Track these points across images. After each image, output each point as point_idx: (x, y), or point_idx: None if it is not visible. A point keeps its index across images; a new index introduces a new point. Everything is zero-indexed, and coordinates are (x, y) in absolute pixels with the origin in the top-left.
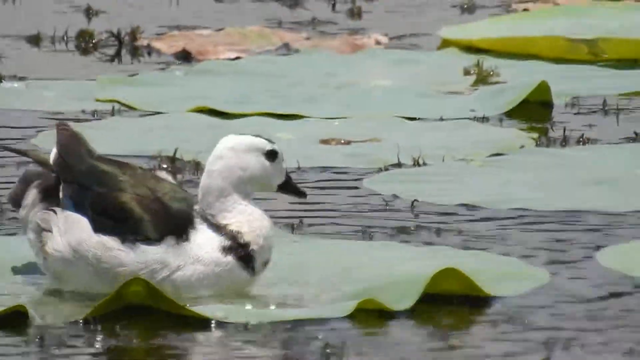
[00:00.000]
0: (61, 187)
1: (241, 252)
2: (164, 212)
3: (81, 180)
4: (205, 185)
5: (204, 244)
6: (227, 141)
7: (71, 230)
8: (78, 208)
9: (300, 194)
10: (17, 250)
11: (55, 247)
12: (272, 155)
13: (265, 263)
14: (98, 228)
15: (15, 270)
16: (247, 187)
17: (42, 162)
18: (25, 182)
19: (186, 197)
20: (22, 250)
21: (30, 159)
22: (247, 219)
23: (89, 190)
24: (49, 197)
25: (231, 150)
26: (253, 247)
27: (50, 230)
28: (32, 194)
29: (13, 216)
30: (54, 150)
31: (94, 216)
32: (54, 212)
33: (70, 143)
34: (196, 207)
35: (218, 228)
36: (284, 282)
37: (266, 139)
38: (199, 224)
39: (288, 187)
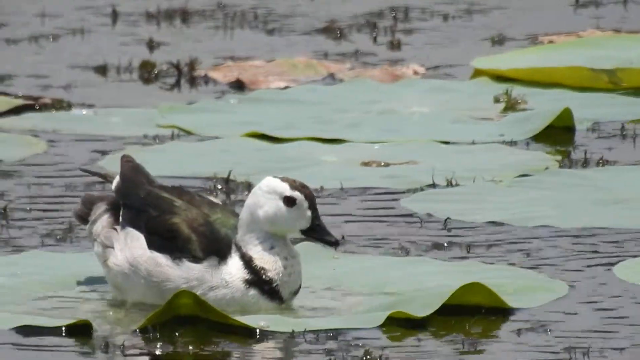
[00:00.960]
0: (121, 212)
1: (266, 287)
2: (210, 234)
3: (139, 205)
4: (241, 216)
5: (233, 273)
6: (263, 181)
7: (129, 247)
8: (134, 229)
9: (329, 242)
10: (84, 266)
11: (116, 261)
12: (290, 201)
13: (295, 292)
14: (151, 246)
15: (81, 284)
16: (265, 226)
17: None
18: (87, 203)
19: (236, 225)
20: (87, 266)
21: (105, 180)
22: (271, 256)
23: (145, 213)
24: (112, 215)
25: (259, 190)
26: (277, 282)
27: (112, 247)
28: (98, 212)
29: (79, 234)
30: (117, 179)
31: (148, 236)
32: (116, 230)
33: (132, 173)
34: (237, 235)
35: (245, 260)
36: (325, 294)
37: (296, 186)
38: (234, 252)
39: (313, 233)
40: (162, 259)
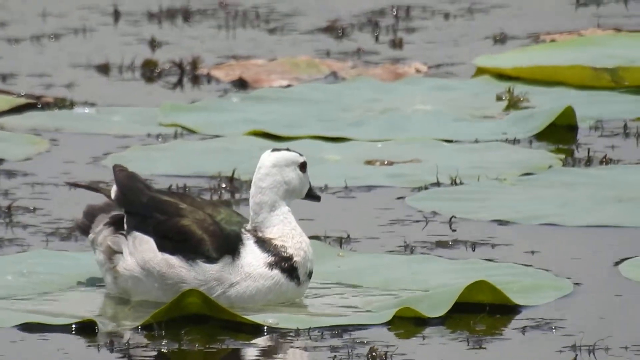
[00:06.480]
0: (125, 219)
1: (285, 264)
2: (220, 233)
3: (144, 211)
4: (258, 201)
5: (252, 261)
6: (269, 158)
7: (139, 250)
8: (143, 234)
9: (318, 198)
10: (88, 264)
11: (126, 266)
12: (304, 166)
13: (309, 274)
14: (162, 248)
15: (85, 282)
16: (290, 197)
17: (110, 197)
18: (90, 214)
19: (240, 221)
20: (91, 264)
21: (101, 194)
22: (291, 233)
23: (152, 219)
24: (117, 224)
25: (275, 167)
26: (296, 259)
27: (120, 252)
28: (101, 222)
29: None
30: (114, 188)
31: (158, 239)
32: (123, 236)
33: (129, 181)
34: (246, 225)
35: (264, 244)
36: (330, 292)
37: (297, 152)
38: (246, 239)
39: (311, 193)
40: (174, 260)
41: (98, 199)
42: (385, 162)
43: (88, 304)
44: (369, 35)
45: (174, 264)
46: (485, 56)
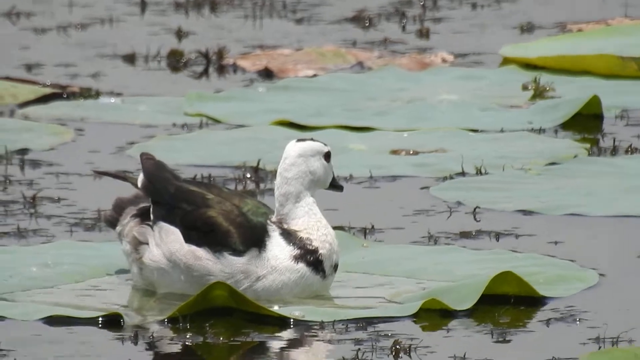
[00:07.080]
0: (151, 209)
1: (310, 258)
2: (247, 225)
3: (171, 201)
4: (284, 192)
5: (278, 254)
6: (294, 148)
7: (165, 242)
8: (169, 224)
9: (341, 188)
10: (113, 255)
11: (152, 257)
12: (328, 156)
13: (335, 267)
14: (189, 240)
15: (111, 273)
16: (315, 187)
17: (136, 186)
18: (119, 207)
19: (266, 212)
20: (116, 255)
21: (128, 182)
22: (316, 225)
23: (179, 209)
24: (143, 216)
25: (300, 157)
26: (321, 252)
27: (146, 243)
28: (128, 214)
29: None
30: (141, 177)
31: (184, 230)
32: (150, 226)
33: (156, 170)
34: (272, 217)
35: (290, 237)
36: (355, 284)
37: (322, 142)
38: (272, 231)
39: (334, 183)
40: (201, 252)
41: (126, 192)
42: (411, 152)
43: (113, 296)
44: (395, 25)
45: (201, 256)
46: (512, 46)
